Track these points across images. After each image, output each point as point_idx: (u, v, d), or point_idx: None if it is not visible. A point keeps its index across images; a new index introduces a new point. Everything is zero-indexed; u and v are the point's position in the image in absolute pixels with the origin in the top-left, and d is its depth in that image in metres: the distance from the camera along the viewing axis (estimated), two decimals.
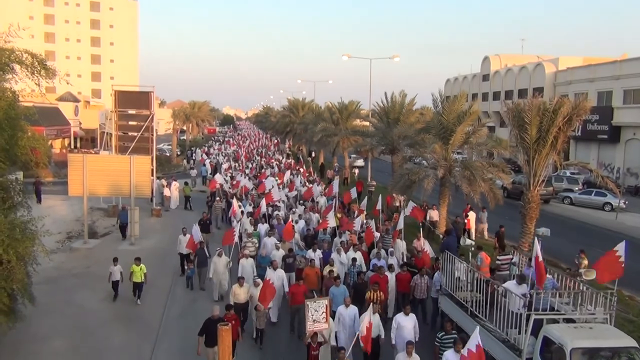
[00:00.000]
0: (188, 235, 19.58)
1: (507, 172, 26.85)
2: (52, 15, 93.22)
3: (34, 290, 13.28)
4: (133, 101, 31.95)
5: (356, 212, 25.72)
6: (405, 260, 18.97)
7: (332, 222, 22.00)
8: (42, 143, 14.59)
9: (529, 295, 11.54)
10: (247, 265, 17.22)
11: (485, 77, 72.78)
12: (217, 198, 29.58)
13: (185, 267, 19.33)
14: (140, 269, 16.96)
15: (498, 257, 17.32)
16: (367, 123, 45.54)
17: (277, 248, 18.81)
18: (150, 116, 31.11)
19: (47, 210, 28.23)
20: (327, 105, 58.05)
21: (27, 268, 12.41)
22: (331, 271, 16.04)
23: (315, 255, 18.31)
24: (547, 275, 12.69)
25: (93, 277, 19.37)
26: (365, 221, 22.99)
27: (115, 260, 17.22)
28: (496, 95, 68.24)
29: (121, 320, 15.72)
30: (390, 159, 36.56)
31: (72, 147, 60.58)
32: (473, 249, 16.42)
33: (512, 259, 16.64)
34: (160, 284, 18.84)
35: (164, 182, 33.66)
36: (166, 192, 32.78)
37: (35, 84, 12.88)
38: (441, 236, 20.30)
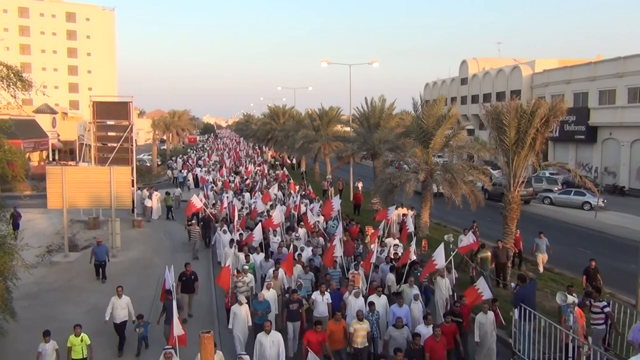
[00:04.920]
0: (124, 298, 14.55)
1: (488, 174, 27.09)
2: (27, 27, 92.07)
3: (14, 306, 13.07)
4: (112, 112, 31.69)
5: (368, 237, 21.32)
6: (447, 307, 14.69)
7: (338, 251, 17.55)
8: (19, 156, 14.42)
9: None
10: (239, 315, 13.26)
11: (464, 81, 73.53)
12: (193, 221, 25.29)
13: (136, 329, 14.06)
14: (82, 340, 12.41)
15: (592, 304, 13.11)
16: (348, 128, 45.72)
17: (268, 287, 14.58)
18: (130, 126, 30.86)
19: (26, 223, 27.91)
20: (307, 112, 58.22)
21: (7, 283, 12.22)
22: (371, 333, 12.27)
23: (324, 299, 13.92)
24: None
25: (75, 291, 19.13)
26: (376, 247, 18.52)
27: (46, 334, 12.23)
28: (475, 99, 68.93)
29: (104, 335, 15.48)
30: (372, 163, 36.71)
31: (51, 159, 59.88)
32: (575, 308, 11.81)
33: (605, 306, 12.82)
34: (144, 295, 18.63)
35: (145, 192, 33.37)
36: (147, 202, 32.50)
37: (12, 96, 12.72)
38: (513, 285, 15.01)
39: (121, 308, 14.38)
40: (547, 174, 44.95)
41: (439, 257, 15.47)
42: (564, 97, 44.99)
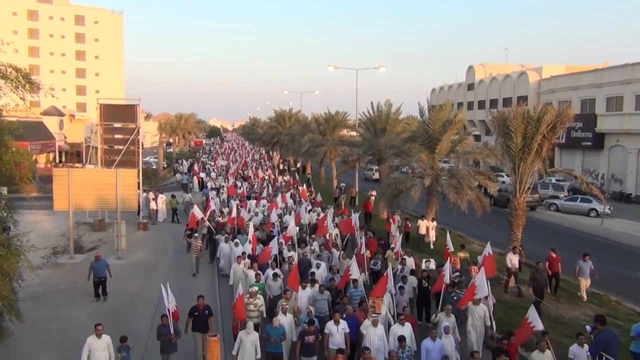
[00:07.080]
0: (104, 337, 11.75)
1: (494, 180, 27.03)
2: (36, 30, 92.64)
3: (19, 307, 13.10)
4: (119, 114, 31.85)
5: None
6: (488, 339, 12.48)
7: (355, 272, 15.03)
8: (26, 158, 14.45)
9: None
10: (246, 343, 11.83)
11: (470, 86, 73.45)
12: (196, 235, 23.21)
13: (119, 354, 11.93)
14: None
15: None
16: (354, 133, 45.74)
17: (284, 311, 12.84)
18: (136, 129, 31.01)
19: (32, 225, 27.97)
20: (314, 116, 58.30)
21: (13, 284, 12.25)
22: None
23: (339, 329, 12.06)
24: None
25: (79, 292, 19.16)
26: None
27: None
28: (481, 104, 68.86)
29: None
30: (378, 168, 36.69)
31: (57, 161, 60.18)
32: None
33: None
34: (147, 297, 18.66)
35: (151, 194, 33.44)
36: (153, 205, 32.55)
37: (20, 98, 12.77)
38: (589, 329, 12.62)
39: (101, 350, 11.60)
40: (554, 181, 44.85)
41: (482, 286, 13.15)
42: (571, 103, 44.92)
